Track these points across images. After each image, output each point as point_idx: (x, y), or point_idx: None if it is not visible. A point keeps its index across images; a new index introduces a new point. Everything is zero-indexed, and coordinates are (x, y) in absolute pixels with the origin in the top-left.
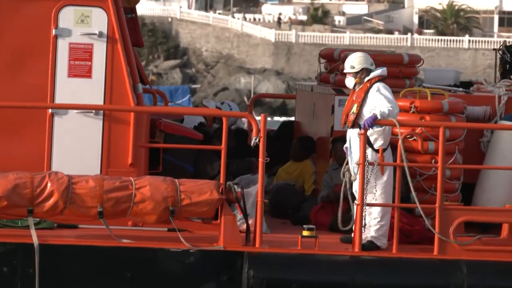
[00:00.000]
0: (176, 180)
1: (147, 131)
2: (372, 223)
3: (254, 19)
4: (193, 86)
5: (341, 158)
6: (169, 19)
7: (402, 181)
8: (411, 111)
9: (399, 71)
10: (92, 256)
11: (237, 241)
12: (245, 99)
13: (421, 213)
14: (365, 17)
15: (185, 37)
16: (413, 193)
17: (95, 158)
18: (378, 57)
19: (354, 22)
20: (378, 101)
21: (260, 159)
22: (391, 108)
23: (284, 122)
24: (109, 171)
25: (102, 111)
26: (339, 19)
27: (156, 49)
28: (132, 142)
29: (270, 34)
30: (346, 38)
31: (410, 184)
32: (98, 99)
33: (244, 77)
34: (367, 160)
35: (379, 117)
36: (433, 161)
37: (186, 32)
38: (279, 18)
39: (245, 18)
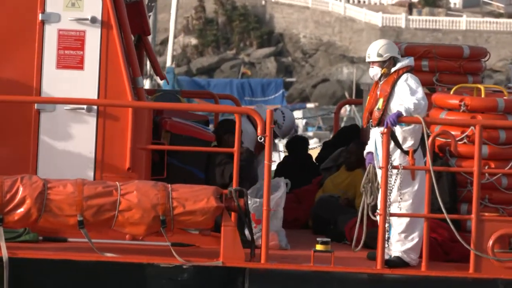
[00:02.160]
0: (169, 185)
1: (149, 131)
2: (399, 236)
3: (359, 1)
4: (288, 79)
5: None
6: (263, 2)
7: (448, 190)
8: (461, 110)
9: (458, 65)
10: (70, 271)
11: (239, 256)
12: (346, 94)
13: (450, 225)
14: (484, 0)
15: (280, 22)
16: (441, 203)
17: (88, 162)
18: (433, 49)
19: (472, 4)
20: (405, 94)
21: (266, 162)
22: (416, 101)
23: (344, 128)
24: (103, 177)
25: (95, 107)
26: (454, 2)
27: (248, 35)
28: (130, 144)
29: (376, 18)
30: (463, 22)
31: (437, 191)
32: (91, 93)
33: (347, 67)
34: (391, 163)
35: (404, 113)
36: (486, 167)
37: (282, 16)
38: (411, 3)
39: (348, 1)
